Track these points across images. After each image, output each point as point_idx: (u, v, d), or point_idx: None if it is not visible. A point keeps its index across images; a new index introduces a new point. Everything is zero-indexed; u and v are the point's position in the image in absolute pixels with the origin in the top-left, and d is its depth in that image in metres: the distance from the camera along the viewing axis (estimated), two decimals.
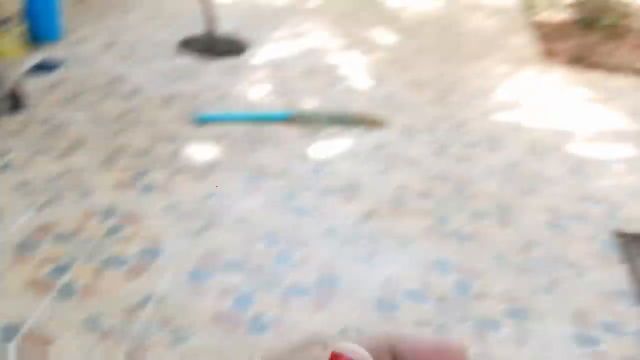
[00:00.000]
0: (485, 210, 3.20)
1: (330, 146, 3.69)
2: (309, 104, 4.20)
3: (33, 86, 3.98)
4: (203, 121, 3.79)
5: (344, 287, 2.58)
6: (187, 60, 4.65)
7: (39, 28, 4.54)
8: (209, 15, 4.90)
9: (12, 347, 2.16)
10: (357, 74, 4.75)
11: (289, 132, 3.79)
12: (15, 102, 3.70)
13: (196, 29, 5.12)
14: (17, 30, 4.28)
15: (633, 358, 2.36)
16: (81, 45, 4.71)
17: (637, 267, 2.93)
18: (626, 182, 3.55)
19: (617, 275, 2.80)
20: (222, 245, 2.77)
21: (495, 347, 2.33)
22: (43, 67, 4.25)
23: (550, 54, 5.77)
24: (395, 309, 2.48)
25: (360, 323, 2.38)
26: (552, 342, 2.38)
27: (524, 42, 5.81)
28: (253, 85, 4.40)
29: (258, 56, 4.92)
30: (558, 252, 2.91)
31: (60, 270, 2.54)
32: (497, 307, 2.54)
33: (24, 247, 2.66)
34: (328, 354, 0.38)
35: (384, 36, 5.63)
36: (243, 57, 4.89)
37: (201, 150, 3.49)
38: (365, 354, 0.38)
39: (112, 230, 2.78)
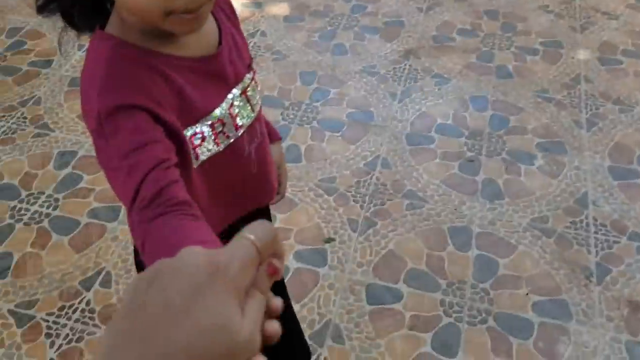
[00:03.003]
0: (534, 47, 3.06)
1: None
2: None
3: None
4: None
5: (377, 122, 2.62)
6: None
7: None
8: None
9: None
10: None
11: None
12: None
13: None
14: None
15: None
16: None
17: None
18: None
19: None
20: (262, 82, 2.82)
21: (526, 179, 2.35)
22: None
23: None
24: (427, 142, 2.52)
25: (390, 156, 2.45)
26: (587, 174, 2.38)
27: None
28: None
29: None
30: (605, 88, 2.80)
31: None
32: (532, 141, 2.53)
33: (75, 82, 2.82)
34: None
35: None
36: None
37: None
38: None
39: None
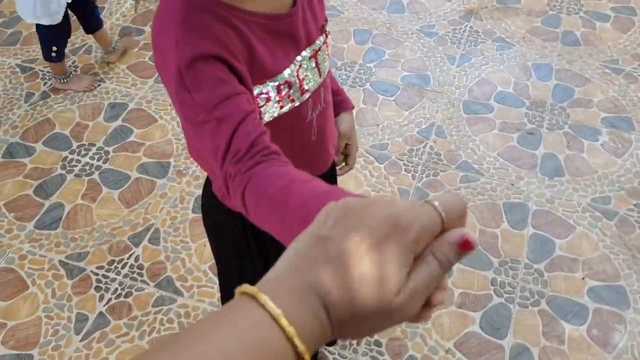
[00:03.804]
0: (605, 13, 2.87)
1: None
2: None
3: None
4: None
5: (433, 87, 2.51)
6: None
7: None
8: None
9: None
10: None
11: None
12: None
13: None
14: None
15: None
16: None
17: None
18: None
19: None
20: None
21: (589, 156, 2.24)
22: None
23: None
24: (485, 111, 2.41)
25: (446, 124, 2.36)
26: None
27: None
28: None
29: None
30: None
31: None
32: (598, 115, 2.39)
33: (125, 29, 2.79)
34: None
35: None
36: None
37: None
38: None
39: None
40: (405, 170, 2.18)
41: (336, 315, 0.37)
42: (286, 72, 0.88)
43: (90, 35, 2.79)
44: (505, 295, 1.83)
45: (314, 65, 0.94)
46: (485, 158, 2.22)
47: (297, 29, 0.89)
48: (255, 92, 0.85)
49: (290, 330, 0.35)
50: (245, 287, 0.37)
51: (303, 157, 1.06)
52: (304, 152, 1.05)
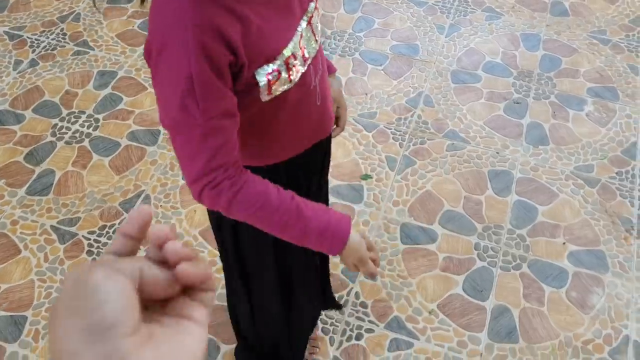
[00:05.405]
0: None
1: None
2: None
3: None
4: None
5: (422, 57, 2.52)
6: None
7: None
8: None
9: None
10: None
11: None
12: None
13: None
14: None
15: None
16: None
17: None
18: None
19: None
20: None
21: (574, 125, 2.27)
22: None
23: None
24: (473, 80, 2.43)
25: (434, 93, 2.38)
26: (638, 124, 2.28)
27: None
28: None
29: None
30: None
31: None
32: (584, 85, 2.42)
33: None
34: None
35: None
36: None
37: None
38: None
39: None
40: (393, 139, 2.21)
41: None
42: (291, 45, 0.91)
43: (77, 2, 2.77)
44: (488, 259, 1.88)
45: (310, 32, 0.97)
46: (472, 127, 2.25)
47: (291, 1, 0.91)
48: (267, 69, 0.88)
49: None
50: None
51: (312, 123, 1.10)
52: (312, 119, 1.09)
